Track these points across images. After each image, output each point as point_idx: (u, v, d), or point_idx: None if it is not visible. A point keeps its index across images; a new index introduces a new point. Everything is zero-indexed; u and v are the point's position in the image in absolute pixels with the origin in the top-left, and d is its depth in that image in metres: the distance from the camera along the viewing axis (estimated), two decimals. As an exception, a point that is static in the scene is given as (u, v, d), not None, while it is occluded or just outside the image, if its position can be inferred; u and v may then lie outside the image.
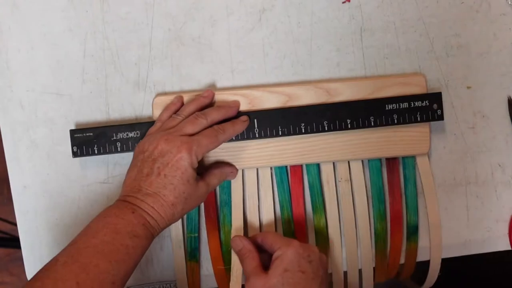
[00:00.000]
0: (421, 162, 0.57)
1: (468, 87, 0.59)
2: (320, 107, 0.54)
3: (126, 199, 0.47)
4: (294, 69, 0.58)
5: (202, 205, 0.57)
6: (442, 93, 0.55)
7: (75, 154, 0.54)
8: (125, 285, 0.45)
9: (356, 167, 0.57)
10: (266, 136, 0.54)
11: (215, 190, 0.57)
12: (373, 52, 0.58)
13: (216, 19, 0.57)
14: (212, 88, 0.57)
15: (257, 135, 0.54)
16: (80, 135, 0.54)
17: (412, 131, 0.56)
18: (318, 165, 0.57)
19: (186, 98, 0.55)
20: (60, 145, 0.57)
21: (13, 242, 1.02)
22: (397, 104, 0.54)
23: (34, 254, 0.58)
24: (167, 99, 0.55)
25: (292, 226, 0.57)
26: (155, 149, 0.48)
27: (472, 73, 0.58)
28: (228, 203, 0.57)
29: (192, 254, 0.57)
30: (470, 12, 0.58)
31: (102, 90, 0.57)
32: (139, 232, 0.46)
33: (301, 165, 0.57)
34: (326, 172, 0.57)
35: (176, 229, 0.57)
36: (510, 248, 0.59)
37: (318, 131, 0.54)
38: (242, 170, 0.57)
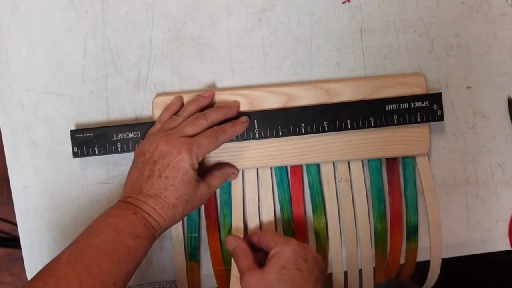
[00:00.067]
0: (421, 162, 0.57)
1: (468, 87, 0.59)
2: (320, 108, 0.54)
3: (127, 200, 0.48)
4: (294, 69, 0.58)
5: (203, 205, 0.57)
6: (442, 93, 0.55)
7: (75, 155, 0.54)
8: (126, 285, 0.45)
9: (356, 167, 0.57)
10: (266, 137, 0.54)
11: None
12: (373, 52, 0.58)
13: (216, 19, 0.57)
14: (212, 88, 0.57)
15: (257, 136, 0.54)
16: (80, 135, 0.54)
17: (412, 131, 0.56)
18: (318, 165, 0.57)
19: (186, 98, 0.55)
20: (60, 145, 0.57)
21: (13, 242, 1.02)
22: (397, 105, 0.54)
23: (34, 254, 0.58)
24: (167, 99, 0.55)
25: (292, 226, 0.57)
26: (155, 150, 0.48)
27: (472, 73, 0.58)
28: (228, 203, 0.57)
29: (192, 254, 0.57)
30: (470, 12, 0.58)
31: (102, 90, 0.57)
32: (140, 233, 0.46)
33: (301, 165, 0.57)
34: (326, 172, 0.57)
35: (177, 229, 0.57)
36: (510, 248, 0.59)
37: (318, 131, 0.54)
38: (242, 170, 0.57)
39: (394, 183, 0.58)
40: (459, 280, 0.72)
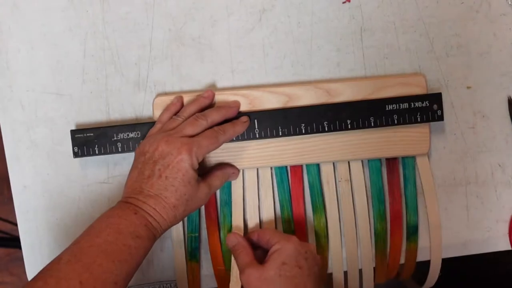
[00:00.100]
0: (421, 162, 0.57)
1: (468, 87, 0.59)
2: (320, 108, 0.55)
3: (128, 201, 0.48)
4: (294, 69, 0.58)
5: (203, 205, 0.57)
6: (442, 93, 0.55)
7: (76, 155, 0.54)
8: (127, 285, 0.45)
9: (356, 167, 0.57)
10: (266, 137, 0.54)
11: (215, 190, 0.57)
12: (373, 52, 0.58)
13: (216, 19, 0.57)
14: (212, 88, 0.57)
15: (257, 136, 0.54)
16: (81, 135, 0.54)
17: (412, 131, 0.56)
18: (318, 165, 0.57)
19: (186, 98, 0.55)
20: (60, 145, 0.57)
21: (13, 242, 1.02)
22: (397, 105, 0.54)
23: (34, 254, 0.58)
24: (168, 99, 0.55)
25: (292, 226, 0.57)
26: (155, 150, 0.48)
27: (472, 73, 0.58)
28: (228, 203, 0.57)
29: (193, 254, 0.57)
30: (470, 12, 0.58)
31: (102, 90, 0.57)
32: (141, 233, 0.46)
33: (301, 165, 0.57)
34: (326, 172, 0.57)
35: (177, 229, 0.57)
36: (510, 248, 0.59)
37: (318, 131, 0.54)
38: (243, 170, 0.57)
39: (394, 183, 0.58)
40: (459, 280, 0.72)
